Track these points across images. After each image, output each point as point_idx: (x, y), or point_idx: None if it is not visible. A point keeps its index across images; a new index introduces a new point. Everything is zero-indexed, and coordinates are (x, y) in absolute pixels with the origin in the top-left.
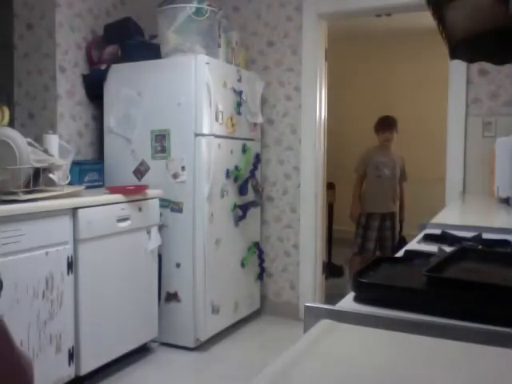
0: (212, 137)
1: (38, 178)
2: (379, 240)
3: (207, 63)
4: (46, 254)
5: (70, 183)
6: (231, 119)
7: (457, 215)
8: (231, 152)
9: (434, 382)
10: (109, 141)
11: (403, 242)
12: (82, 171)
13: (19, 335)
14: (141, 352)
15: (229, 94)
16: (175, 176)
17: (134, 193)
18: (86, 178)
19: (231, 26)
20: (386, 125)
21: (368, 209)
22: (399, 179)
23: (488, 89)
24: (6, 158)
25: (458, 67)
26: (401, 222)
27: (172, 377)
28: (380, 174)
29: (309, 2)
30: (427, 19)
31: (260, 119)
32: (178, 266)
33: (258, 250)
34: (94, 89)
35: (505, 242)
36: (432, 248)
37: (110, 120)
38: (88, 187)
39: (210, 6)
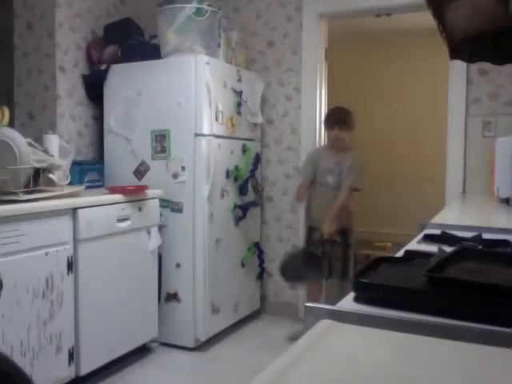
0: (212, 137)
1: (37, 178)
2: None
3: (207, 63)
4: (46, 254)
5: (70, 183)
6: (231, 119)
7: (457, 215)
8: (231, 152)
9: (434, 382)
10: (109, 141)
11: (352, 263)
12: (82, 171)
13: (19, 335)
14: (141, 352)
15: (229, 94)
16: (175, 176)
17: (134, 193)
18: (86, 178)
19: (231, 25)
20: (335, 119)
21: (311, 221)
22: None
23: (488, 89)
24: (5, 158)
25: (458, 67)
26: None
27: (172, 377)
28: (324, 182)
29: (309, 1)
30: (427, 19)
31: (260, 119)
32: (177, 266)
33: (258, 250)
34: (94, 89)
35: (505, 242)
36: (432, 248)
37: (110, 120)
38: (88, 187)
39: (210, 6)
